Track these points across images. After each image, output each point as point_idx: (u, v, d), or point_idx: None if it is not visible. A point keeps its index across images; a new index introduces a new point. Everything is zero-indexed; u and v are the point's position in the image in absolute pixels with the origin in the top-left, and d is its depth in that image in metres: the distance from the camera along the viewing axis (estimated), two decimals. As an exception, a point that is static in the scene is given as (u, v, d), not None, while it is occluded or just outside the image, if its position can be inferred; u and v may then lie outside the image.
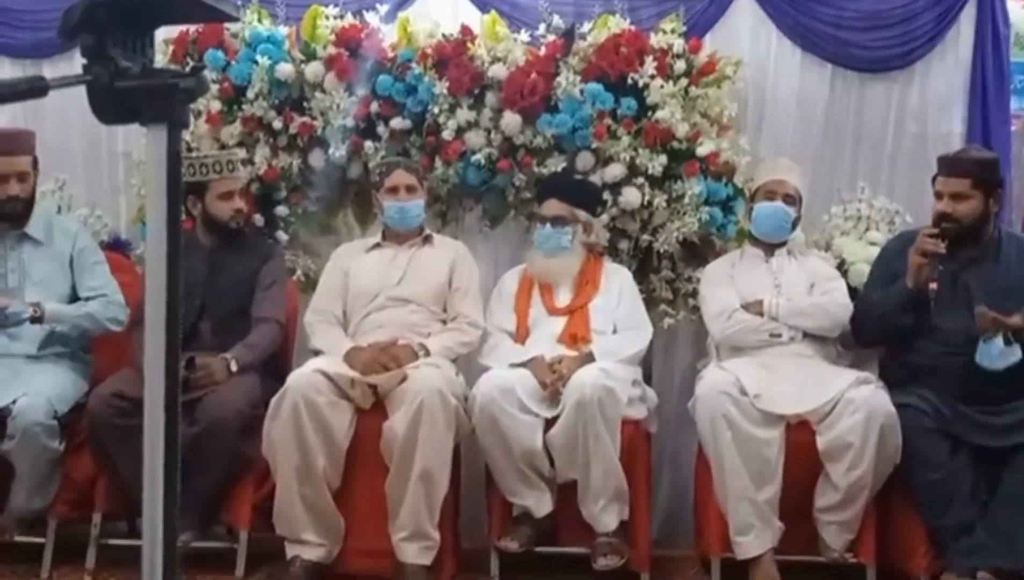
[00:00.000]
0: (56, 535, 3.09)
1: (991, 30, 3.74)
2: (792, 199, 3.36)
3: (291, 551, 2.98)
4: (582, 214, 3.36)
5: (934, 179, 3.18)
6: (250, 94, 3.57)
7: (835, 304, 3.27)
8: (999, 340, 2.89)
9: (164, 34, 3.65)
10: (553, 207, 3.34)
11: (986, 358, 2.92)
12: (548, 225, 3.33)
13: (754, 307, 3.25)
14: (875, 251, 3.48)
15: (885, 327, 3.17)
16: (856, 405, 2.92)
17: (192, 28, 3.63)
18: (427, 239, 3.46)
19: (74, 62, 3.59)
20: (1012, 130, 3.81)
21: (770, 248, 3.41)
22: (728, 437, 2.94)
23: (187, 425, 2.97)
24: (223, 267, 3.33)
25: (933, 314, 3.04)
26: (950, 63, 3.78)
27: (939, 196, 3.13)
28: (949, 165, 3.14)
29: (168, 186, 1.08)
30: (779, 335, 3.21)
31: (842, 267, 3.52)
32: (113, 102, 1.09)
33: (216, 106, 3.59)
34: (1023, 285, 3.02)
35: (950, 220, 3.08)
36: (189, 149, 3.53)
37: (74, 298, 3.30)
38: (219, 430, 2.98)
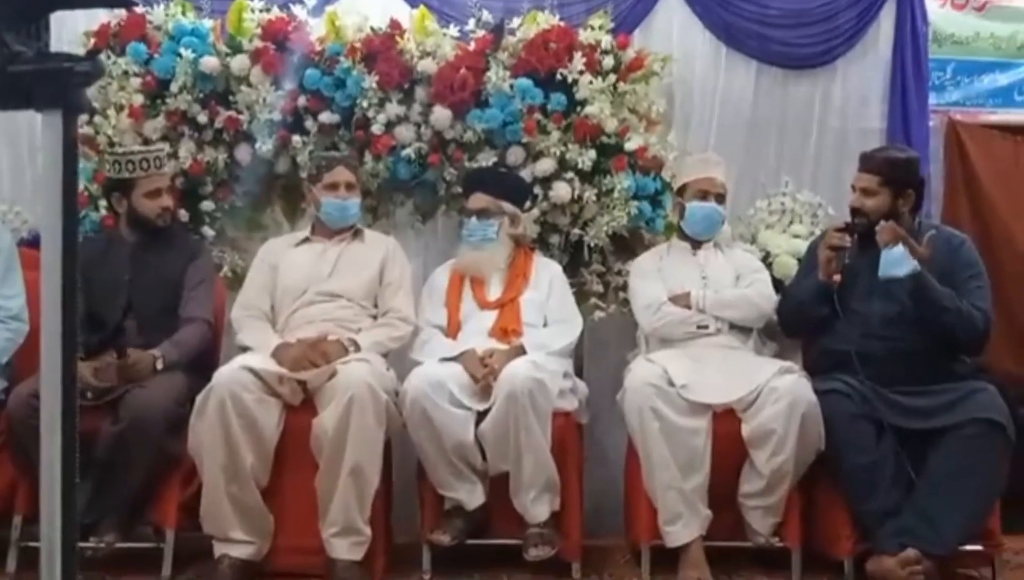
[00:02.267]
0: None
1: (910, 28, 3.84)
2: (722, 197, 3.42)
3: (219, 550, 2.94)
4: (508, 206, 3.37)
5: None
6: (174, 88, 3.51)
7: (760, 295, 3.34)
8: (899, 246, 2.96)
9: (85, 26, 3.58)
10: (479, 200, 3.35)
11: (888, 265, 2.97)
12: (474, 218, 3.34)
13: (681, 299, 3.29)
14: (799, 243, 3.57)
15: (803, 317, 3.25)
16: (779, 394, 2.97)
17: (114, 21, 3.56)
18: (357, 234, 3.43)
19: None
20: (930, 125, 3.91)
21: (698, 242, 3.46)
22: (656, 428, 2.98)
23: (111, 422, 2.93)
24: (148, 265, 3.26)
25: (838, 306, 3.12)
26: (871, 60, 3.88)
27: (852, 189, 3.23)
28: (863, 161, 3.23)
29: (64, 174, 1.06)
30: (706, 327, 3.27)
31: (767, 259, 3.60)
32: (6, 87, 1.06)
33: (139, 100, 3.52)
34: (940, 269, 3.09)
35: (859, 214, 3.17)
36: (112, 144, 3.46)
37: None
38: (144, 428, 2.93)
